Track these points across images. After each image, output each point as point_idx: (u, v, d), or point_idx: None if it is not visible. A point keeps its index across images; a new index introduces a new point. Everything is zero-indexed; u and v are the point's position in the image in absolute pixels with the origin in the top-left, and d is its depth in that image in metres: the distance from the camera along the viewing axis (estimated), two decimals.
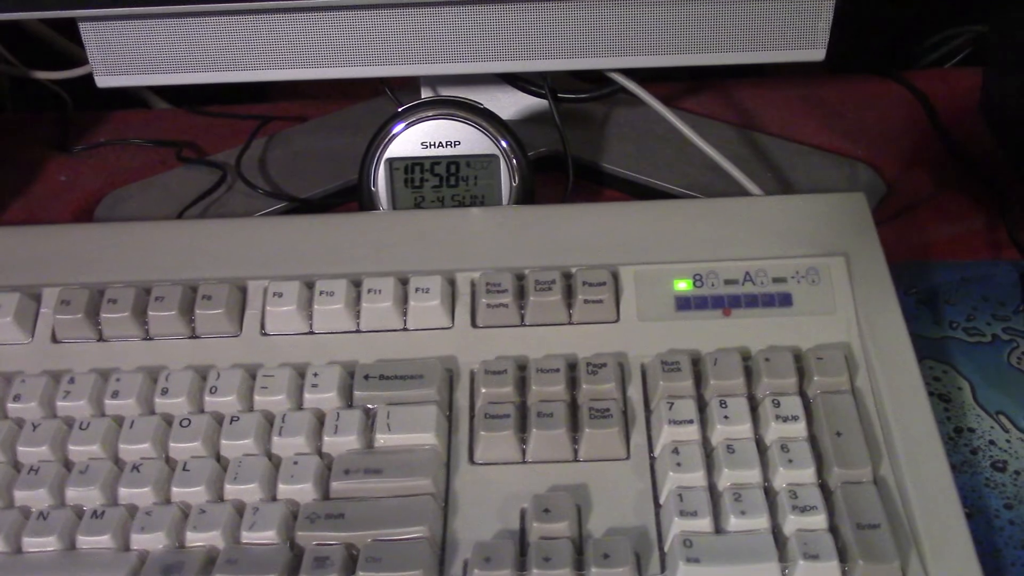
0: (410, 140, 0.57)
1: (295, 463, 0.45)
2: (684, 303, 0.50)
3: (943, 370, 0.53)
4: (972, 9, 0.76)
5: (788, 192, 0.63)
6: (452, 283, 0.51)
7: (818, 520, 0.42)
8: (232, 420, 0.47)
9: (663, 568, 0.42)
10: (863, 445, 0.44)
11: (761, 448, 0.45)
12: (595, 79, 0.63)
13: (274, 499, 0.45)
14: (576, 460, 0.46)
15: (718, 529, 0.43)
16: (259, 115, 0.73)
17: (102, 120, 0.75)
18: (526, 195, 0.58)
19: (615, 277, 0.51)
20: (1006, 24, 0.66)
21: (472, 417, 0.47)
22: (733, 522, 0.42)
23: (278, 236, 0.54)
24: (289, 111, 0.74)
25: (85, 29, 0.57)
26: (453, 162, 0.57)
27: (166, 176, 0.69)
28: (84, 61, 0.59)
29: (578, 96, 0.64)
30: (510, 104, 0.66)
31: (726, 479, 0.44)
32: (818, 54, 0.56)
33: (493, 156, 0.57)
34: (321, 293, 0.50)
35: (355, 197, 0.60)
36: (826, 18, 0.55)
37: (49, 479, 0.45)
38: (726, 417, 0.45)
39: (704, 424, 0.46)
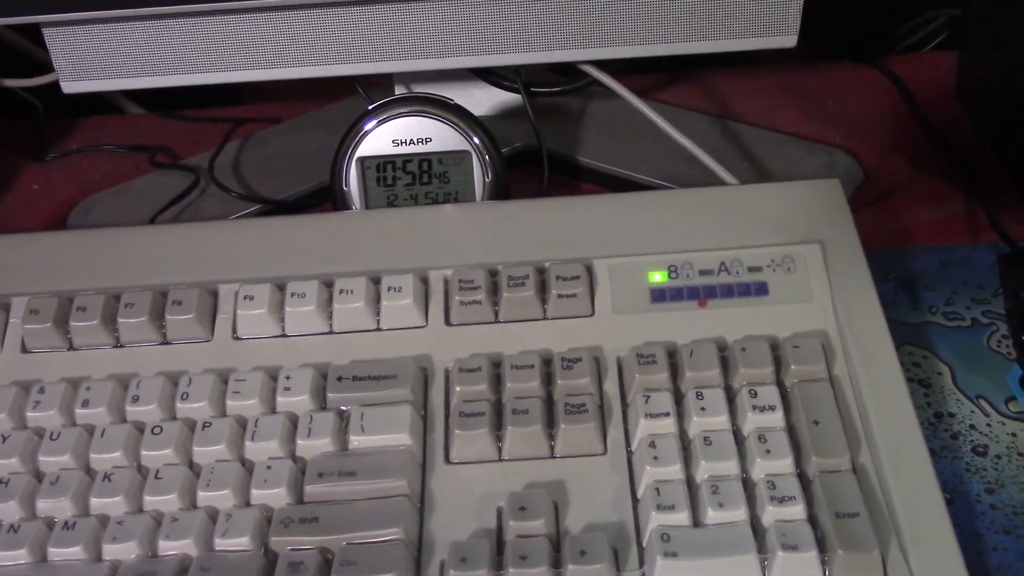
0: (381, 138, 0.57)
1: (268, 468, 0.45)
2: (659, 295, 0.49)
3: (923, 355, 0.53)
4: None
5: (766, 181, 0.63)
6: (425, 281, 0.51)
7: (797, 510, 0.42)
8: (204, 426, 0.46)
9: (641, 563, 0.42)
10: (841, 434, 0.44)
11: (738, 439, 0.45)
12: (569, 72, 0.62)
13: (247, 505, 0.44)
14: (553, 456, 0.45)
15: (696, 522, 0.42)
16: (232, 118, 0.72)
17: (75, 127, 0.75)
18: (499, 191, 0.57)
19: (589, 271, 0.50)
20: (981, 7, 0.66)
21: (447, 416, 0.47)
22: (711, 515, 0.42)
23: (248, 239, 0.54)
24: (262, 113, 0.73)
25: (49, 34, 0.56)
26: (425, 159, 0.57)
27: (139, 181, 0.69)
28: (54, 67, 0.59)
29: (551, 90, 0.64)
30: (484, 99, 0.66)
31: (704, 471, 0.43)
32: (790, 40, 0.56)
33: (465, 152, 0.56)
34: (292, 295, 0.50)
35: (329, 197, 0.59)
36: (797, 4, 0.55)
37: (19, 491, 0.45)
38: (703, 409, 0.45)
39: (681, 416, 0.45)
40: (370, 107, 0.57)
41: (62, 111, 0.74)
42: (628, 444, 0.45)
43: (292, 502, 0.44)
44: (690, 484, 0.43)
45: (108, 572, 0.42)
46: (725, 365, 0.47)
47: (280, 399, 0.47)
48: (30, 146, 0.73)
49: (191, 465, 0.46)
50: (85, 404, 0.47)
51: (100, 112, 0.77)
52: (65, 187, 0.69)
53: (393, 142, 0.57)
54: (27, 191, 0.70)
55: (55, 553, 0.43)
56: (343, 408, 0.47)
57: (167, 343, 0.50)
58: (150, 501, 0.44)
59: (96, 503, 0.44)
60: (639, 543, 0.42)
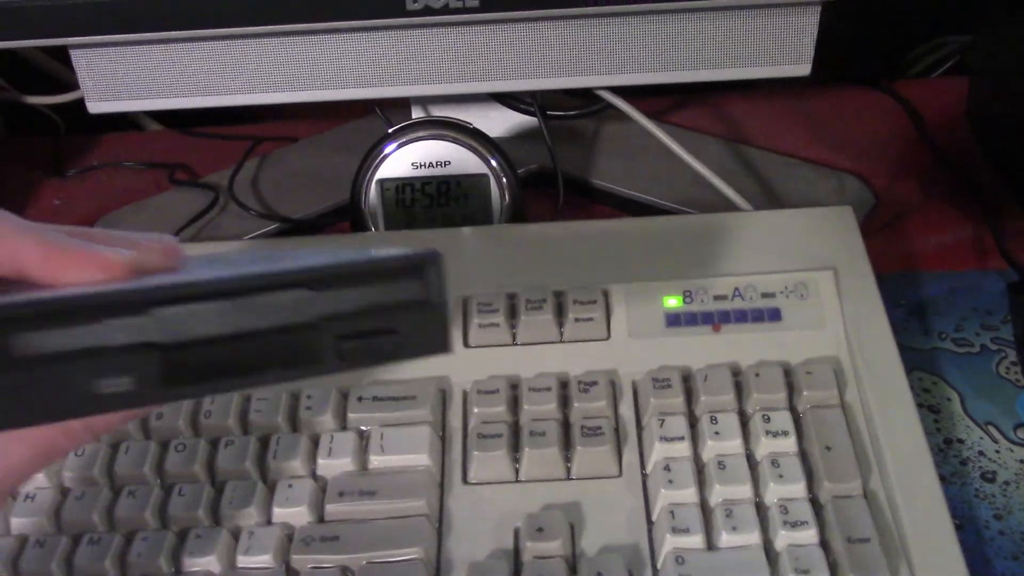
0: (401, 161, 0.58)
1: (290, 486, 0.46)
2: (674, 319, 0.50)
3: (932, 381, 0.54)
4: (958, 19, 0.76)
5: (777, 205, 0.64)
6: None
7: (809, 535, 0.42)
8: (227, 444, 0.47)
9: None
10: (853, 459, 0.45)
11: (752, 463, 0.45)
12: (585, 95, 0.63)
13: (269, 523, 0.45)
14: (569, 478, 0.46)
15: (710, 545, 0.43)
16: (251, 136, 0.73)
17: (95, 143, 0.76)
18: (516, 213, 0.58)
19: (605, 295, 0.51)
20: (990, 34, 0.67)
21: (465, 437, 0.48)
22: (725, 538, 0.43)
23: None
24: (281, 131, 0.74)
25: (76, 56, 0.57)
26: (444, 182, 0.58)
27: (159, 198, 0.70)
28: (76, 86, 0.60)
29: (567, 113, 0.65)
30: (500, 122, 0.67)
31: (717, 495, 0.44)
32: (803, 69, 0.57)
33: (483, 175, 0.57)
34: None
35: (347, 217, 0.60)
36: (811, 33, 0.56)
37: (46, 506, 0.46)
38: (717, 433, 0.46)
39: (695, 440, 0.46)
40: (390, 130, 0.58)
41: (82, 127, 0.75)
42: (643, 467, 0.46)
43: (313, 520, 0.45)
44: (704, 507, 0.44)
45: None
46: (739, 390, 0.48)
47: (302, 418, 0.48)
48: (51, 162, 0.74)
49: (214, 482, 0.47)
50: None
51: (120, 129, 0.78)
52: (85, 203, 0.70)
53: (412, 165, 0.58)
54: (48, 206, 0.71)
55: (81, 568, 0.44)
56: (363, 428, 0.48)
57: None
58: (174, 517, 0.45)
59: (121, 518, 0.45)
60: (654, 565, 0.43)
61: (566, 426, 0.47)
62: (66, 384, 0.27)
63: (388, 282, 0.31)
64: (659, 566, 0.43)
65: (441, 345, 0.32)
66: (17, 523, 0.45)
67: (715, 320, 0.50)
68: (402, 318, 0.31)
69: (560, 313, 0.51)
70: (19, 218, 0.30)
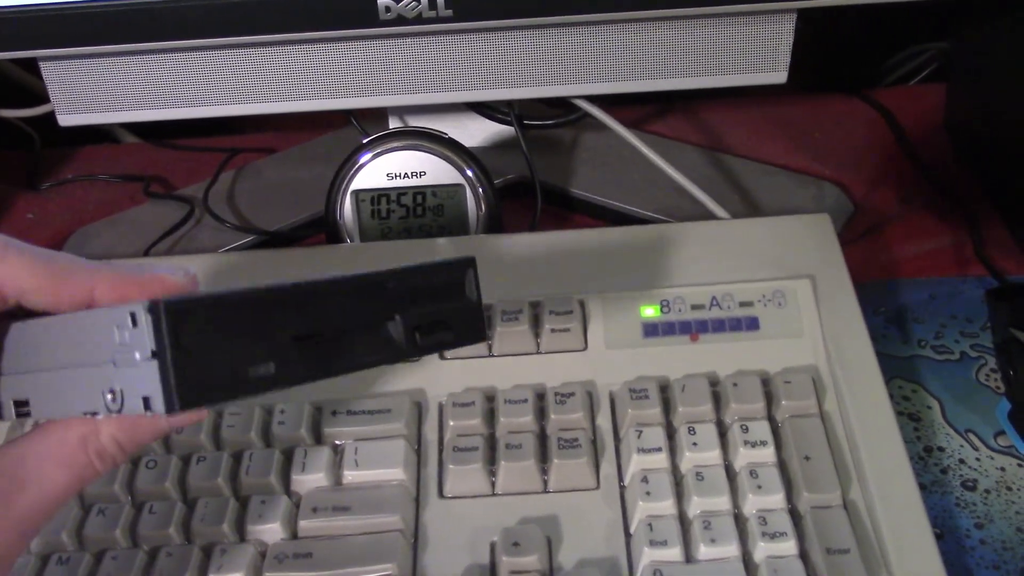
0: (375, 171, 0.57)
1: (263, 502, 0.45)
2: (651, 329, 0.50)
3: (912, 389, 0.53)
4: (935, 26, 0.76)
5: (756, 213, 0.64)
6: None
7: (788, 546, 0.42)
8: (199, 460, 0.46)
9: None
10: (832, 469, 0.44)
11: (730, 474, 0.45)
12: (562, 104, 0.63)
13: (242, 539, 0.44)
14: (546, 491, 0.46)
15: (688, 558, 0.42)
16: (227, 147, 0.72)
17: (70, 156, 0.75)
18: (493, 223, 0.58)
19: (582, 305, 0.51)
20: (968, 40, 0.67)
21: (441, 450, 0.47)
22: (703, 550, 0.42)
23: (243, 271, 0.54)
24: (257, 143, 0.74)
25: (46, 68, 0.56)
26: (419, 192, 0.57)
27: (134, 212, 0.69)
28: (50, 98, 0.59)
29: (544, 123, 0.64)
30: (478, 131, 0.66)
31: (696, 507, 0.44)
32: (779, 77, 0.57)
33: (459, 185, 0.57)
34: None
35: (323, 229, 0.60)
36: (786, 41, 0.56)
37: None
38: (695, 444, 0.45)
39: (673, 451, 0.46)
40: (365, 140, 0.57)
41: (57, 140, 0.74)
42: (621, 479, 0.46)
43: (286, 537, 0.44)
44: (682, 519, 0.44)
45: None
46: (717, 400, 0.47)
47: (275, 433, 0.47)
48: (25, 175, 0.73)
49: (186, 499, 0.46)
50: None
51: (95, 141, 0.77)
52: (60, 217, 0.69)
53: (387, 175, 0.57)
54: (22, 220, 0.70)
55: None
56: (338, 442, 0.47)
57: None
58: (145, 535, 0.44)
59: (92, 538, 0.44)
60: None
61: (543, 438, 0.47)
62: (222, 368, 0.30)
63: (439, 283, 0.36)
64: None
65: (480, 335, 0.37)
66: None
67: (692, 329, 0.50)
68: (452, 312, 0.36)
69: (536, 324, 0.50)
70: (84, 259, 0.35)
